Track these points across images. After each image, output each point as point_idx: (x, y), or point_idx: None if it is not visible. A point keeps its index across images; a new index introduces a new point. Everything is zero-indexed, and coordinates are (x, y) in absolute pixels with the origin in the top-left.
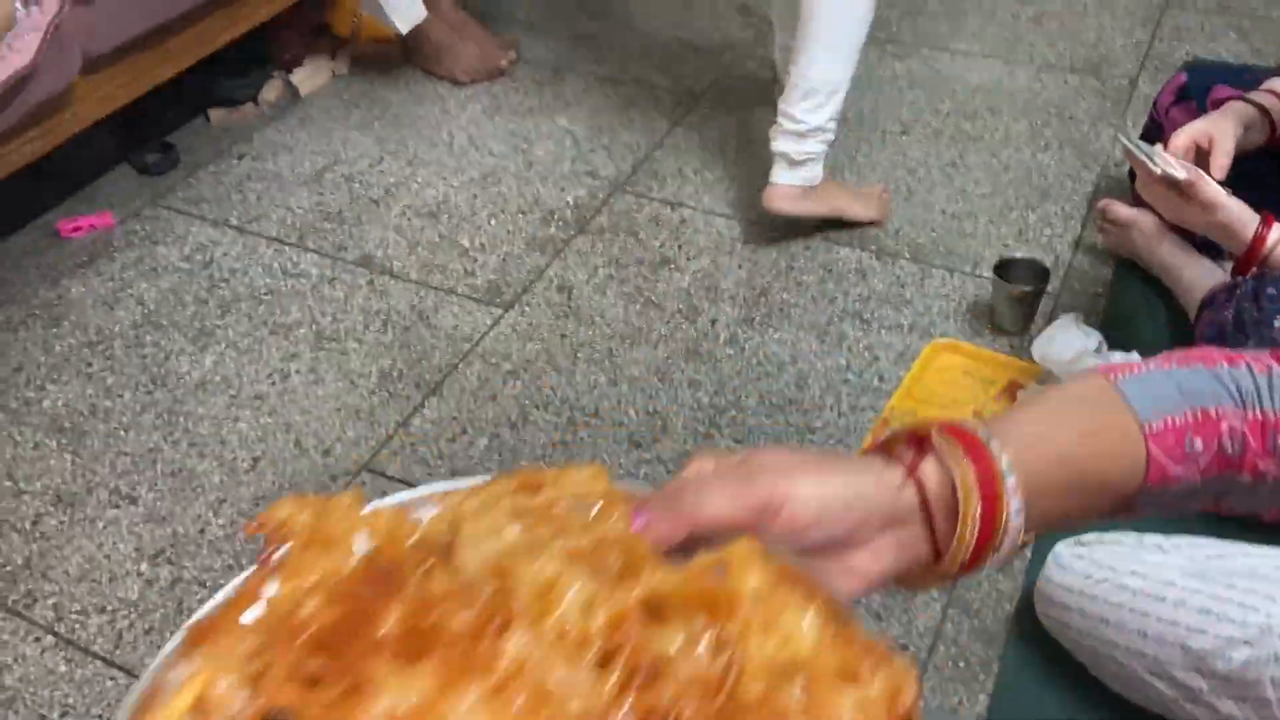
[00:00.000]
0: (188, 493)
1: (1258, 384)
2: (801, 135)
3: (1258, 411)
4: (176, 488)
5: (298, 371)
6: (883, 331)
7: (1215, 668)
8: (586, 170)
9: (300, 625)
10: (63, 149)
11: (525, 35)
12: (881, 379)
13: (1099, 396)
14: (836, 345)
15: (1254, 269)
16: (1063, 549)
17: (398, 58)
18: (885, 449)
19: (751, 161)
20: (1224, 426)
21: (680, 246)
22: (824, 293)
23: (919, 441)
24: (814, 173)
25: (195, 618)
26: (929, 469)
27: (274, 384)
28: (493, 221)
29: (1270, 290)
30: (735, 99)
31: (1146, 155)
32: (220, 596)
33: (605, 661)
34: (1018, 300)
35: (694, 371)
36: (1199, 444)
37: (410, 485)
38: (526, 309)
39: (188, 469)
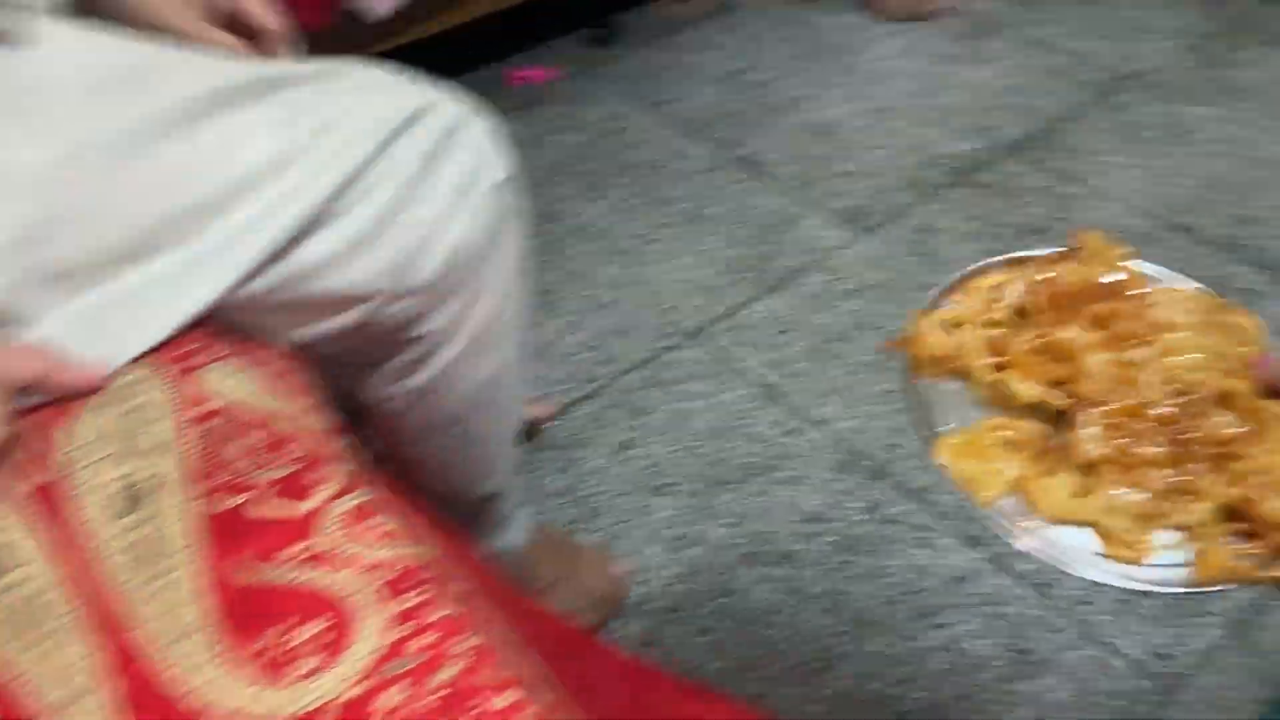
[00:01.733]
0: (552, 309)
1: None
2: None
3: None
4: (544, 304)
5: (662, 240)
6: None
7: None
8: (987, 126)
9: (1058, 285)
10: (523, 10)
11: None
12: None
13: None
14: None
15: None
16: None
17: None
18: None
19: (1167, 155)
20: None
21: (1058, 220)
22: None
23: None
24: None
25: (1003, 256)
26: None
27: (642, 244)
28: (877, 152)
29: None
30: (1173, 89)
31: None
32: (1017, 254)
33: (1179, 394)
34: None
35: None
36: None
37: (733, 361)
38: (884, 238)
39: (556, 291)
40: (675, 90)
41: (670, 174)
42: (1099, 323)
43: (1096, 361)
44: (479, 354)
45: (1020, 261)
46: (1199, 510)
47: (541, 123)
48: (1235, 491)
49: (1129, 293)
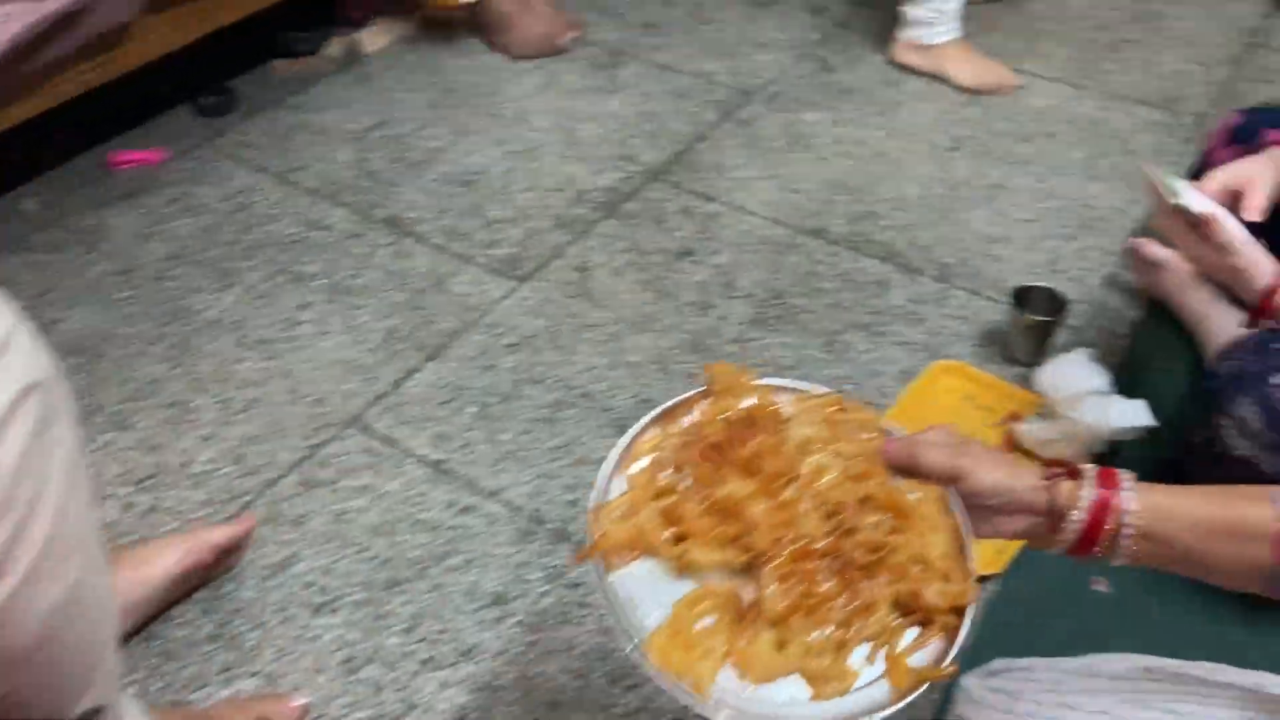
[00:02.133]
0: (180, 426)
1: None
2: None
3: None
4: (172, 419)
5: (307, 321)
6: (892, 347)
7: None
8: (626, 155)
9: (705, 435)
10: (123, 84)
11: (595, 16)
12: (881, 394)
13: (1248, 490)
14: (841, 355)
15: (1265, 321)
16: (970, 681)
17: (464, 26)
18: (1045, 464)
19: (792, 164)
20: None
21: (705, 240)
22: (839, 301)
23: (1073, 471)
24: (924, 33)
25: (655, 411)
26: (1064, 486)
27: (282, 330)
28: (524, 196)
29: (1275, 345)
30: (789, 99)
31: (1168, 187)
32: (667, 405)
33: (830, 515)
34: (1030, 330)
35: (694, 365)
36: None
37: (395, 445)
38: (541, 285)
39: (184, 402)
40: (305, 155)
41: (309, 247)
42: (750, 469)
43: (759, 512)
44: (44, 579)
45: (669, 413)
46: (876, 621)
47: (154, 210)
48: (901, 587)
49: (768, 419)
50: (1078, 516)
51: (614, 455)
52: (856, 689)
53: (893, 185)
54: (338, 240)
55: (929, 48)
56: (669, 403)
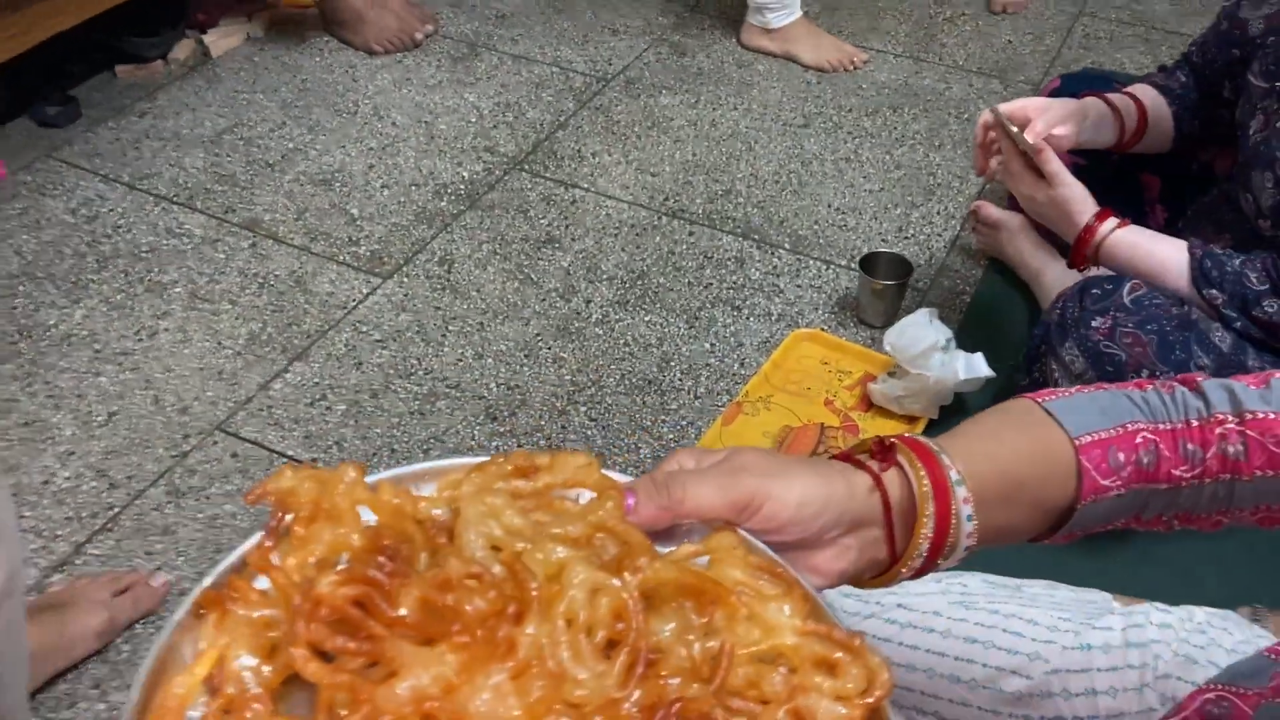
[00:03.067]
0: (39, 444)
1: (1164, 401)
2: None
3: (1167, 424)
4: (28, 438)
5: (166, 330)
6: (752, 320)
7: (985, 695)
8: (486, 146)
9: (318, 599)
10: None
11: (448, 10)
12: (743, 365)
13: (1025, 413)
14: (705, 330)
15: (1084, 263)
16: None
17: (314, 24)
18: (849, 457)
19: (650, 147)
20: (1139, 439)
21: (567, 226)
22: (700, 279)
23: (883, 452)
24: (769, 17)
25: (203, 584)
26: (892, 478)
27: (141, 341)
28: (384, 192)
29: (1095, 290)
30: (645, 84)
31: (1006, 127)
32: (224, 563)
33: (608, 647)
34: (879, 294)
35: (560, 349)
36: (1121, 457)
37: (264, 448)
38: (405, 280)
39: (41, 420)
40: (156, 162)
41: (164, 255)
42: (428, 626)
43: (484, 704)
44: None
45: (212, 603)
46: None
47: None
48: (782, 718)
49: (417, 538)
50: (931, 510)
51: (125, 714)
52: None
53: (748, 163)
54: (195, 246)
55: (775, 30)
56: (209, 578)
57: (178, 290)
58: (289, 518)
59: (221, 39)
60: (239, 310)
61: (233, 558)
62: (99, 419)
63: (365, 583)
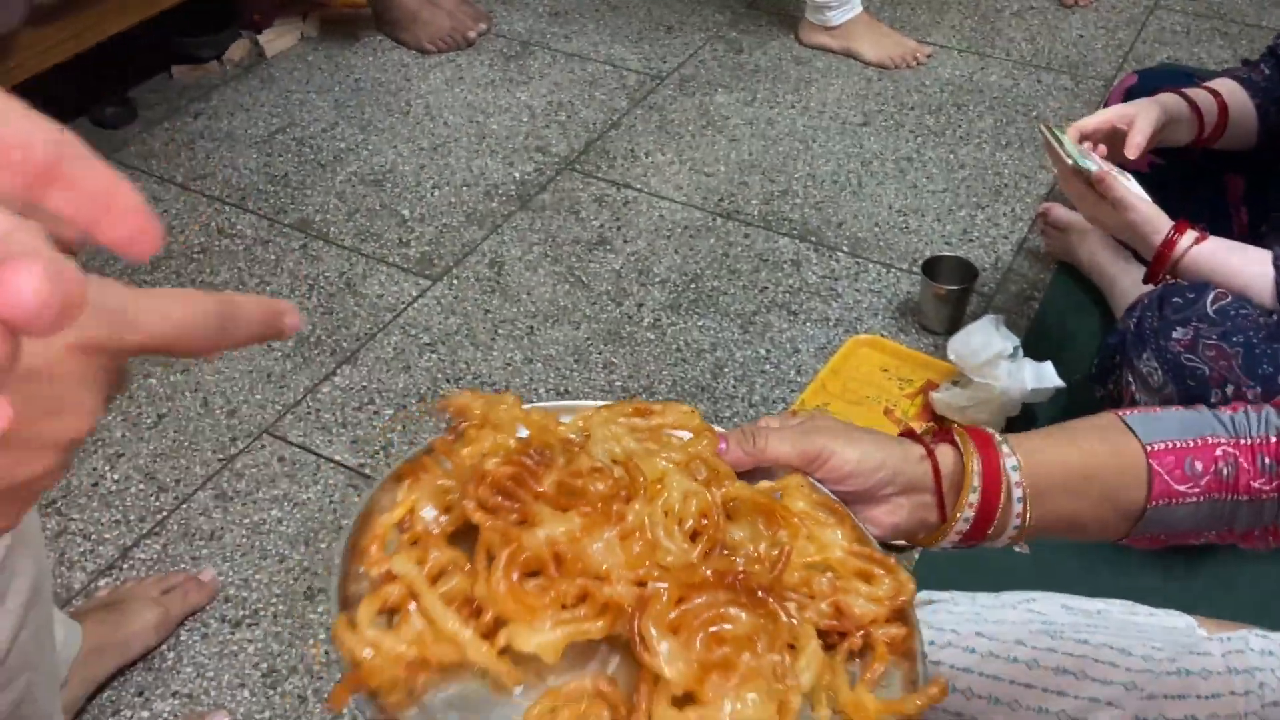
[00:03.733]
0: (88, 445)
1: (1248, 418)
2: None
3: (1248, 439)
4: None
5: None
6: (809, 325)
7: None
8: (538, 146)
9: (485, 473)
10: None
11: (500, 8)
12: (799, 372)
13: (1106, 424)
14: (760, 336)
15: (1163, 276)
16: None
17: (368, 23)
18: (911, 433)
19: (705, 146)
20: (1218, 451)
21: (620, 228)
22: (755, 282)
23: (943, 432)
24: (829, 14)
25: (402, 459)
26: (945, 451)
27: None
28: (435, 193)
29: (1176, 299)
30: (700, 82)
31: (1064, 148)
32: (415, 450)
33: (693, 537)
34: (942, 299)
35: (611, 354)
36: (1198, 465)
37: (311, 452)
38: (455, 282)
39: None
40: (210, 163)
41: (216, 255)
42: (564, 500)
43: (602, 549)
44: None
45: (409, 471)
46: (808, 663)
47: None
48: (824, 608)
49: (556, 447)
50: (977, 484)
51: (343, 541)
52: None
53: (805, 163)
54: (246, 247)
55: (835, 27)
56: (402, 461)
57: (229, 291)
58: (464, 425)
59: (276, 39)
60: None
61: (423, 447)
62: (148, 421)
63: (519, 466)
